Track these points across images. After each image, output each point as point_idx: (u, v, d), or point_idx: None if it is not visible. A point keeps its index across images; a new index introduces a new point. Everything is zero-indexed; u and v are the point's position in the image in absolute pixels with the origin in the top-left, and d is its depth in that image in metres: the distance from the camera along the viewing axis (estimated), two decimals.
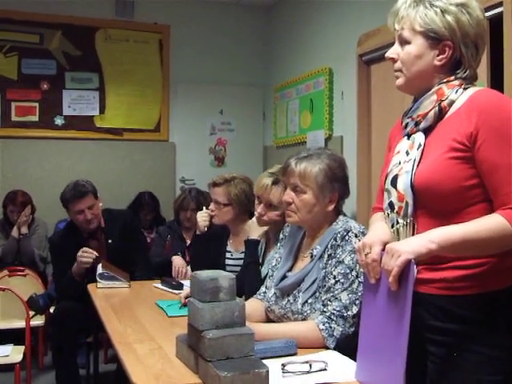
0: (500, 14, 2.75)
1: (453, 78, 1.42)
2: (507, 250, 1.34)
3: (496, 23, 2.76)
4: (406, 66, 1.45)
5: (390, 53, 1.49)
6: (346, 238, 1.81)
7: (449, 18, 1.39)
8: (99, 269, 2.86)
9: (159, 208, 4.83)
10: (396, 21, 1.47)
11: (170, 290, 2.73)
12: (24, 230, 4.17)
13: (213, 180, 2.93)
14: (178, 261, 3.50)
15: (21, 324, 3.44)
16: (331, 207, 1.92)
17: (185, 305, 2.30)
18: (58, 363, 3.12)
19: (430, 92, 1.43)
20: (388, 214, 1.49)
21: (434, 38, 1.40)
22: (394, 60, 1.48)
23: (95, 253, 3.04)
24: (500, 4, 2.75)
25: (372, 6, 3.78)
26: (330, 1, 4.49)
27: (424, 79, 1.44)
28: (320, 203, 1.90)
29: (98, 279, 2.82)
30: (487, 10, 2.78)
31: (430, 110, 1.43)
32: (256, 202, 2.55)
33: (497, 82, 2.71)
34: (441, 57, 1.41)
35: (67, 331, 3.05)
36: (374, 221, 1.61)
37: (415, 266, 1.28)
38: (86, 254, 3.02)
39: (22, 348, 3.15)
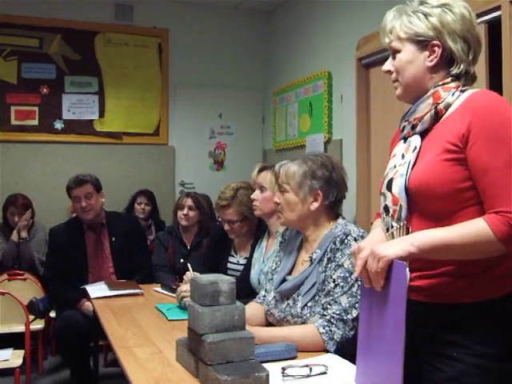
0: (498, 18, 2.76)
1: (449, 80, 1.42)
2: (500, 260, 1.33)
3: (494, 27, 2.78)
4: (401, 74, 1.47)
5: (385, 66, 1.52)
6: (346, 241, 1.82)
7: (432, 19, 1.41)
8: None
9: (156, 203, 4.76)
10: (385, 36, 1.50)
11: (170, 294, 2.73)
12: (24, 234, 4.16)
13: (218, 204, 2.85)
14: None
15: (20, 328, 3.43)
16: (315, 206, 1.91)
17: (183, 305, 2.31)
18: (74, 366, 3.25)
19: (427, 95, 1.43)
20: (384, 218, 1.49)
21: (420, 41, 1.42)
22: (390, 72, 1.50)
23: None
24: (498, 8, 2.76)
25: (371, 9, 3.79)
26: (329, 5, 4.51)
27: (419, 83, 1.45)
28: (302, 201, 1.91)
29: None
30: (485, 13, 2.80)
31: (426, 113, 1.42)
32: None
33: (496, 86, 2.72)
34: (431, 57, 1.42)
35: (77, 336, 3.05)
36: (374, 227, 1.61)
37: (408, 269, 1.28)
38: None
39: (21, 352, 3.14)
